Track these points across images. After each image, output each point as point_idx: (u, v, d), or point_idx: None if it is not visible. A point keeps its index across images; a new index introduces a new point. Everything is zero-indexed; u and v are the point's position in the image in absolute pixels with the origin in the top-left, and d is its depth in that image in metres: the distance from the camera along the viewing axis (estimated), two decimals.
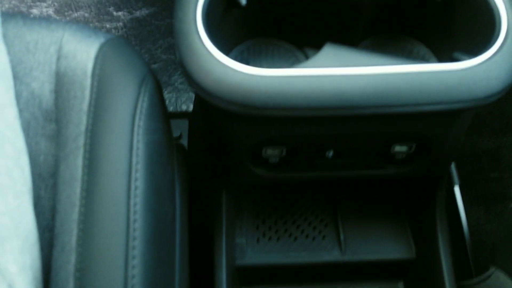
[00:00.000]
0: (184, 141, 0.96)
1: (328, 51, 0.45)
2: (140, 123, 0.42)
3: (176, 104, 1.01)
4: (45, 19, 0.48)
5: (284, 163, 0.55)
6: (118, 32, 1.08)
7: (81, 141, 0.41)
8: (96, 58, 0.44)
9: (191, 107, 1.01)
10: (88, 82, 0.43)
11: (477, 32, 0.48)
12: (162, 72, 1.04)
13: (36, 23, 0.47)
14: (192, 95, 1.02)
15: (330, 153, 0.54)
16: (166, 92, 1.03)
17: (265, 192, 0.72)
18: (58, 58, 0.45)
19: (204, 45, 0.44)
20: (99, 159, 0.39)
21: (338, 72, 0.43)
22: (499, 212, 0.86)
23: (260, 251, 0.66)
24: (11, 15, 0.48)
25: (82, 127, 0.41)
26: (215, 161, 0.58)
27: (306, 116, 0.45)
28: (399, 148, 0.54)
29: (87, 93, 0.42)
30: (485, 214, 0.85)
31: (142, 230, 0.38)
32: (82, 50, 0.45)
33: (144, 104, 0.43)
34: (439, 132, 0.51)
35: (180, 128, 0.96)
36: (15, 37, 0.46)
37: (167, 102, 1.03)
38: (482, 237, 0.83)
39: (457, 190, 0.84)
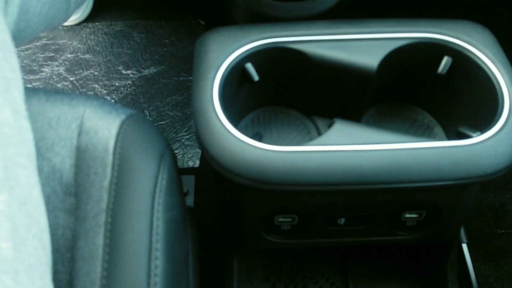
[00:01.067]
0: (191, 197, 0.96)
1: (339, 128, 0.47)
2: (160, 200, 0.43)
3: (183, 161, 1.03)
4: (67, 94, 0.50)
5: (296, 230, 0.56)
6: (127, 89, 1.11)
7: (102, 219, 0.42)
8: (117, 135, 0.45)
9: (197, 163, 1.02)
10: (109, 159, 0.44)
11: (480, 106, 0.50)
12: (169, 129, 1.06)
13: (59, 99, 0.49)
14: (199, 152, 1.04)
15: (342, 221, 0.55)
16: (173, 148, 1.04)
17: (275, 255, 0.72)
18: (80, 134, 0.47)
19: (221, 123, 0.46)
20: (120, 238, 0.40)
21: (350, 149, 0.45)
22: (508, 269, 0.85)
23: None
24: (33, 90, 0.50)
25: (103, 205, 0.42)
26: (227, 229, 0.59)
27: (318, 191, 0.47)
28: (409, 216, 0.55)
29: (108, 170, 0.43)
30: (494, 271, 0.85)
31: None
32: (104, 127, 0.46)
33: (163, 181, 0.44)
34: (449, 201, 0.52)
35: (187, 185, 0.97)
36: (38, 113, 0.48)
37: None
38: None
39: (465, 248, 0.84)
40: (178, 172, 0.51)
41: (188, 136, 1.06)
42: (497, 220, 0.91)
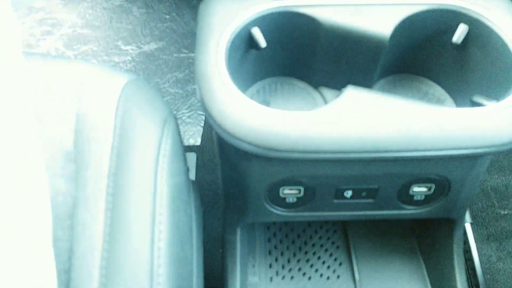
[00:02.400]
0: (191, 175, 0.95)
1: (350, 93, 0.45)
2: (164, 165, 0.41)
3: (183, 138, 1.01)
4: (66, 59, 0.48)
5: (301, 202, 0.55)
6: (126, 66, 1.09)
7: (103, 184, 0.40)
8: (119, 99, 0.44)
9: (198, 141, 1.01)
10: (111, 124, 0.42)
11: (495, 76, 0.48)
12: (170, 106, 1.04)
13: (57, 62, 0.47)
14: (200, 129, 1.02)
15: (349, 194, 0.54)
16: None
17: (278, 230, 0.71)
18: (80, 99, 0.45)
19: (227, 88, 0.44)
20: (123, 203, 0.39)
21: (361, 115, 0.43)
22: (511, 249, 0.85)
23: None
24: (30, 54, 0.48)
25: (105, 170, 0.41)
26: (231, 200, 0.57)
27: (327, 159, 0.45)
28: (418, 189, 0.53)
29: (109, 135, 0.42)
30: (496, 251, 0.84)
31: (167, 275, 0.37)
32: (105, 91, 0.44)
33: (167, 146, 0.43)
34: (459, 174, 0.51)
35: (188, 162, 0.96)
36: (37, 78, 0.46)
37: None
38: (494, 275, 0.82)
39: (468, 227, 0.83)
40: (180, 138, 0.49)
41: (189, 114, 1.04)
42: (501, 201, 0.90)
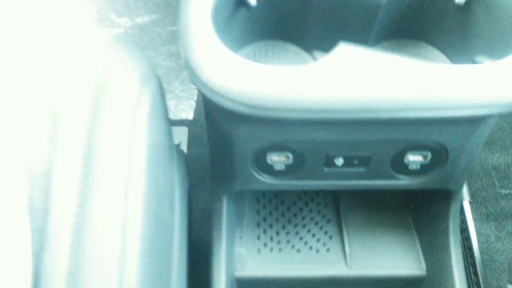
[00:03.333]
0: (183, 149, 0.93)
1: (343, 50, 0.42)
2: (141, 123, 0.39)
3: (176, 112, 0.99)
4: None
5: (290, 170, 0.52)
6: (118, 38, 1.05)
7: (79, 140, 0.38)
8: (99, 56, 0.41)
9: (191, 115, 0.98)
10: (88, 79, 0.40)
11: (499, 36, 0.45)
12: (162, 80, 1.00)
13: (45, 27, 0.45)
14: (193, 103, 0.99)
15: (340, 161, 0.51)
16: (166, 99, 1.00)
17: (267, 201, 0.68)
18: (58, 55, 0.43)
19: (212, 43, 0.41)
20: (98, 160, 0.36)
21: (354, 72, 0.40)
22: (510, 229, 0.82)
23: (261, 263, 0.62)
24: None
25: (81, 126, 0.38)
26: (217, 167, 0.55)
27: (318, 119, 0.42)
28: (413, 158, 0.51)
29: (87, 90, 0.39)
30: (495, 231, 0.82)
31: (140, 233, 0.35)
32: (84, 48, 0.42)
33: (146, 104, 0.40)
34: (457, 142, 0.48)
35: (180, 136, 0.93)
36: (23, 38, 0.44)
37: None
38: (492, 255, 0.79)
39: (466, 206, 0.81)
40: (165, 102, 0.47)
41: (182, 87, 1.02)
42: (502, 180, 0.87)
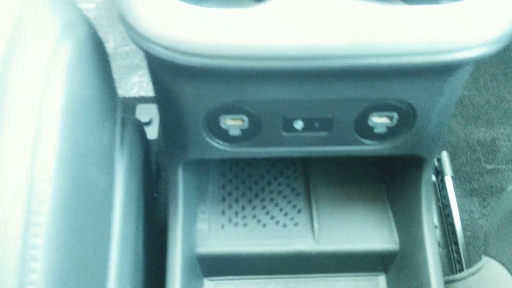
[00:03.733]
0: (154, 127, 0.89)
1: None
2: (59, 70, 0.34)
3: (147, 89, 0.94)
4: None
5: (246, 135, 0.48)
6: (90, 13, 1.01)
7: None
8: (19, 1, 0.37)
9: None
10: (5, 22, 0.36)
11: None
12: (134, 55, 0.97)
13: None
14: None
15: (299, 124, 0.47)
16: (137, 75, 0.96)
17: (233, 176, 0.64)
18: None
19: None
20: (5, 109, 0.32)
21: (302, 16, 0.36)
22: (494, 206, 0.78)
23: (224, 238, 0.58)
24: None
25: None
26: (169, 135, 0.51)
27: (266, 71, 0.38)
28: (378, 119, 0.47)
29: (1, 32, 0.35)
30: (479, 207, 0.78)
31: (52, 193, 0.31)
32: None
33: (67, 50, 0.36)
34: (425, 100, 0.44)
35: (151, 114, 0.89)
36: None
37: (137, 86, 0.96)
38: (475, 232, 0.76)
39: (448, 181, 0.77)
40: (103, 54, 0.42)
41: None
42: (487, 155, 0.83)
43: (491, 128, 0.86)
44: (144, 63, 0.98)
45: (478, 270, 0.47)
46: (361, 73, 0.40)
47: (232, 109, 0.45)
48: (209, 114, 0.46)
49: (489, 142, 0.85)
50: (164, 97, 0.47)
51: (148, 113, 0.89)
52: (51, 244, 0.30)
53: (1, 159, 0.31)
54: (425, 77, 0.41)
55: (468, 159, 0.83)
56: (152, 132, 0.88)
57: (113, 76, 0.49)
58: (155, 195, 0.74)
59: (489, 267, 0.45)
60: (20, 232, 0.29)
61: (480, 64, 0.93)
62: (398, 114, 0.46)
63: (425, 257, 0.52)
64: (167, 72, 0.43)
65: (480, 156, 0.83)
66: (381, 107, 0.45)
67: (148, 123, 0.88)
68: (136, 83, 0.94)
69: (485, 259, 0.47)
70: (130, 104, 0.90)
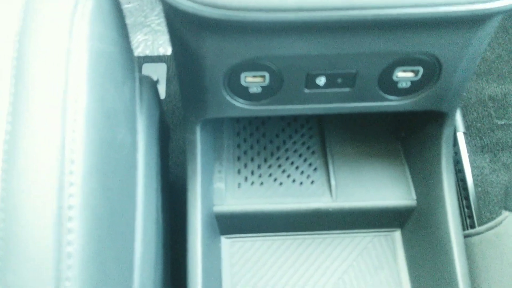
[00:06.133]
0: (162, 87, 0.87)
1: None
2: (82, 25, 0.33)
3: (152, 48, 0.92)
4: None
5: (267, 93, 0.47)
6: None
7: (8, 48, 0.32)
8: None
9: (169, 51, 0.92)
10: None
11: None
12: (137, 13, 0.94)
13: None
14: None
15: (322, 81, 0.46)
16: (142, 34, 0.93)
17: (248, 135, 0.64)
18: None
19: None
20: (29, 69, 0.31)
21: None
22: (505, 161, 0.79)
23: (241, 197, 0.58)
24: None
25: (10, 32, 0.32)
26: (187, 93, 0.50)
27: (292, 24, 0.37)
28: (403, 74, 0.45)
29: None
30: (490, 163, 0.79)
31: (83, 153, 0.30)
32: None
33: (88, 4, 0.34)
34: (452, 52, 0.43)
35: (157, 73, 0.87)
36: None
37: (142, 45, 0.93)
38: (486, 188, 0.76)
39: (460, 137, 0.77)
40: (119, 10, 0.41)
41: (158, 21, 0.94)
42: (498, 110, 0.83)
43: (503, 83, 0.85)
44: (147, 21, 0.95)
45: (498, 224, 0.47)
46: (389, 25, 0.39)
47: (253, 66, 0.44)
48: (230, 71, 0.44)
49: (500, 97, 0.84)
50: (184, 54, 0.45)
51: (155, 72, 0.87)
52: (85, 204, 0.29)
53: (31, 117, 0.30)
54: (454, 28, 0.40)
55: (479, 115, 0.83)
56: (160, 92, 0.86)
57: None
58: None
59: (510, 221, 0.45)
60: (55, 193, 0.28)
61: None
62: (424, 68, 0.45)
63: (445, 213, 0.53)
64: (188, 27, 0.41)
65: (492, 111, 0.83)
66: (407, 61, 0.44)
67: (155, 83, 0.86)
68: (141, 41, 0.92)
69: (505, 213, 0.47)
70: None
